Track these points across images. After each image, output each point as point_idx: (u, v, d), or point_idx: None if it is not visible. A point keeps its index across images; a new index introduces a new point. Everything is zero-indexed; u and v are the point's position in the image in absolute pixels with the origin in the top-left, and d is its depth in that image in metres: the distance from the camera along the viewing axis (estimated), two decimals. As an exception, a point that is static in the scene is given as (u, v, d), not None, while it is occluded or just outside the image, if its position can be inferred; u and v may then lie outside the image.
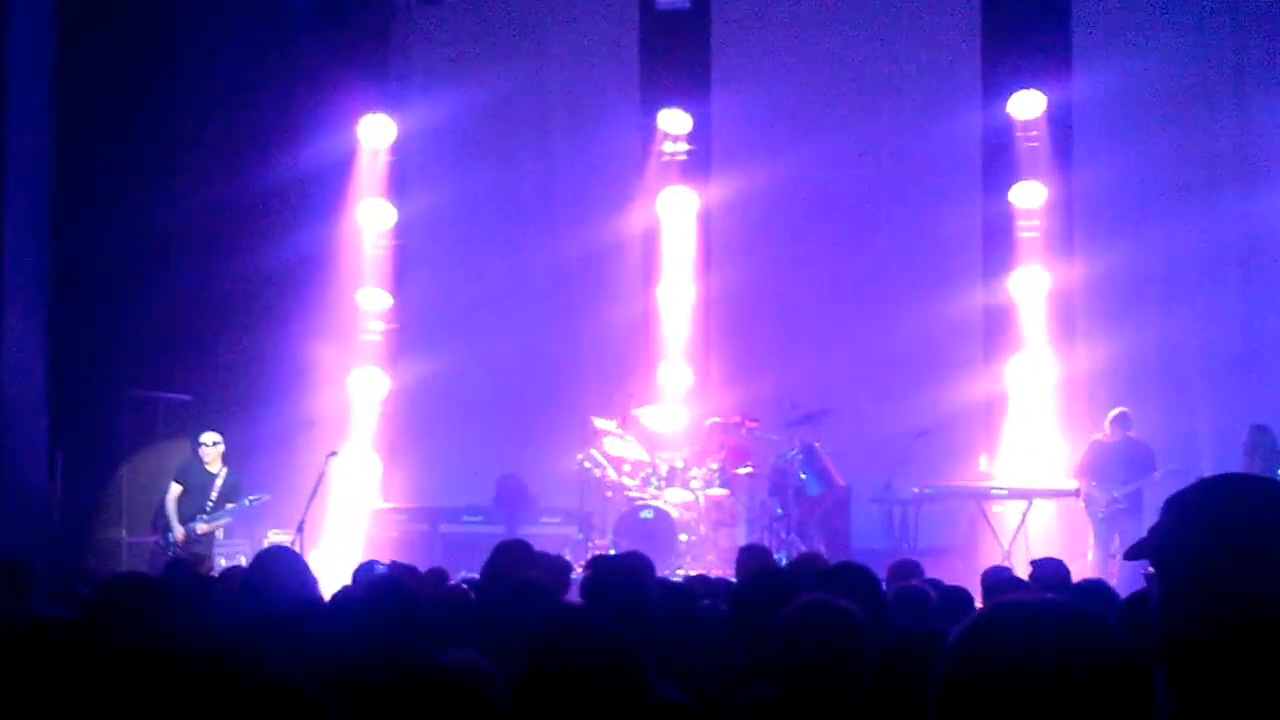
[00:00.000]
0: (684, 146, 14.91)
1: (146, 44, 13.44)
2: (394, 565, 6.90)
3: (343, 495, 13.73)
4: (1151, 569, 2.16)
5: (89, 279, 13.04)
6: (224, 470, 12.02)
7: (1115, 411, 12.54)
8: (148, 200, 13.27)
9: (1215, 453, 12.89)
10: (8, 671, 3.84)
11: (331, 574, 11.78)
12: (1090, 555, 12.31)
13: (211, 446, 11.97)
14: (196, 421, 12.89)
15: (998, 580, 6.47)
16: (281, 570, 5.01)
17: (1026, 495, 12.53)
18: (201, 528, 11.76)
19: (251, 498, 11.98)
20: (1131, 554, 2.19)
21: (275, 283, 13.97)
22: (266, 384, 13.82)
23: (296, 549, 10.84)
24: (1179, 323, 13.81)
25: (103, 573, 8.71)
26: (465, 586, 6.69)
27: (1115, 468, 12.28)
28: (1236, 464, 11.63)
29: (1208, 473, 8.83)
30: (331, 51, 14.50)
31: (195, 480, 11.94)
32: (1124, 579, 9.73)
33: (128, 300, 13.23)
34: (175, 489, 11.97)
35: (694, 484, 12.45)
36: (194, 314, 13.61)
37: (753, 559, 7.80)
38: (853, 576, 4.89)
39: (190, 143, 13.61)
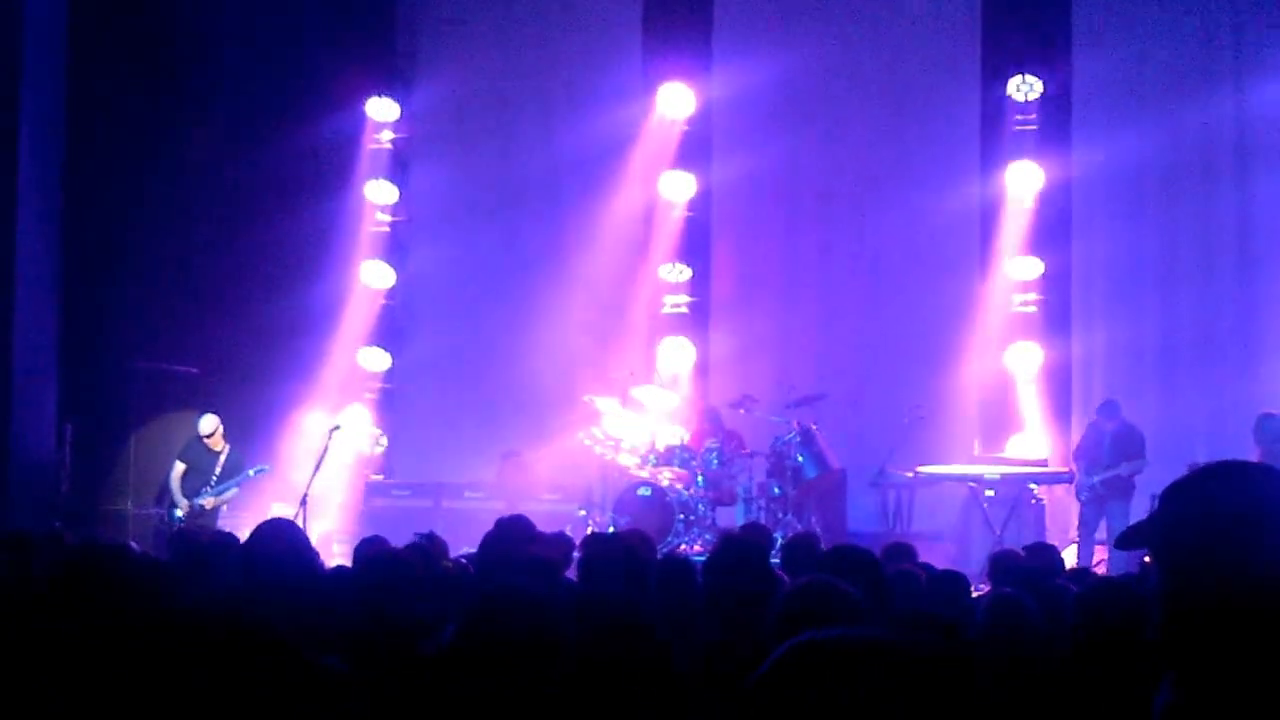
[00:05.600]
0: (684, 123, 14.92)
1: (158, 21, 13.50)
2: (430, 537, 6.94)
3: (346, 469, 13.82)
4: (1148, 557, 2.18)
5: (99, 252, 13.14)
6: (226, 447, 12.16)
7: (1103, 401, 12.67)
8: (156, 174, 13.36)
9: (1209, 439, 12.97)
10: (13, 638, 3.94)
11: (334, 548, 12.00)
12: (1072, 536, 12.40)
13: (210, 436, 12.15)
14: (204, 393, 13.00)
15: (1003, 564, 6.49)
16: (280, 543, 5.06)
17: (1021, 480, 12.58)
18: (208, 501, 11.90)
19: (254, 469, 12.10)
20: (1124, 542, 2.21)
21: (284, 257, 14.06)
22: (274, 358, 13.91)
23: (299, 522, 10.96)
24: (1174, 308, 13.85)
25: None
26: (464, 561, 6.78)
27: (1102, 452, 12.37)
28: (1247, 451, 11.63)
29: (1203, 460, 8.90)
30: (338, 30, 14.57)
31: (198, 459, 12.12)
32: (1114, 565, 9.83)
33: (137, 273, 13.33)
34: (179, 467, 12.15)
35: (692, 463, 12.54)
36: (202, 287, 13.72)
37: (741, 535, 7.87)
38: (853, 559, 4.92)
39: (199, 119, 13.70)
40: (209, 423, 12.21)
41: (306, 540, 5.31)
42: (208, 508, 11.94)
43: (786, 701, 1.79)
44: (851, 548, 5.24)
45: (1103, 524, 12.18)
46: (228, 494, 12.12)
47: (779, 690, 1.80)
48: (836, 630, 1.90)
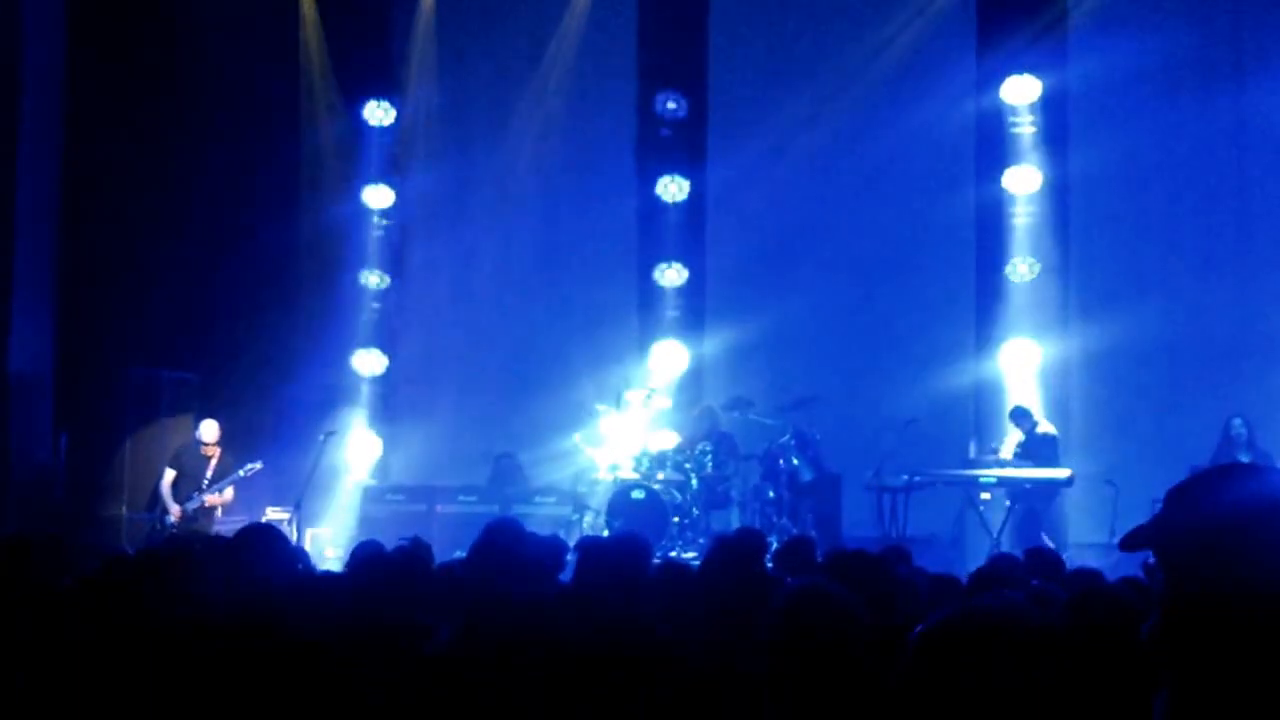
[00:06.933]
0: (678, 125, 14.91)
1: (155, 27, 13.49)
2: (415, 541, 6.89)
3: (340, 474, 13.80)
4: (1152, 559, 2.16)
5: (95, 259, 13.12)
6: (218, 452, 12.11)
7: (1013, 408, 12.72)
8: (153, 180, 13.36)
9: (1204, 442, 12.94)
10: (24, 638, 3.90)
11: (329, 552, 11.97)
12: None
13: (210, 443, 12.11)
14: (199, 399, 12.95)
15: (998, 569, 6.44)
16: (264, 547, 5.06)
17: (1016, 483, 12.54)
18: (212, 499, 11.86)
19: (245, 468, 12.06)
20: (1129, 543, 2.18)
21: (278, 263, 14.05)
22: (268, 363, 13.89)
23: (294, 527, 10.95)
24: (1172, 309, 13.84)
25: (104, 548, 8.77)
26: (455, 566, 6.73)
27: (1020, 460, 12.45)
28: (1222, 455, 11.67)
29: (1198, 464, 8.87)
30: (335, 35, 14.58)
31: (189, 465, 12.07)
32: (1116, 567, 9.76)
33: (133, 279, 13.31)
34: (169, 474, 12.11)
35: (686, 466, 12.51)
36: (198, 293, 13.71)
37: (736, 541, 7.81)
38: (854, 564, 4.85)
39: (196, 125, 13.69)
40: (210, 429, 12.14)
41: (290, 544, 5.29)
42: (208, 504, 11.91)
43: (948, 675, 1.79)
44: (853, 552, 5.19)
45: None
46: (224, 494, 12.05)
47: (940, 662, 1.80)
48: (992, 602, 1.91)
